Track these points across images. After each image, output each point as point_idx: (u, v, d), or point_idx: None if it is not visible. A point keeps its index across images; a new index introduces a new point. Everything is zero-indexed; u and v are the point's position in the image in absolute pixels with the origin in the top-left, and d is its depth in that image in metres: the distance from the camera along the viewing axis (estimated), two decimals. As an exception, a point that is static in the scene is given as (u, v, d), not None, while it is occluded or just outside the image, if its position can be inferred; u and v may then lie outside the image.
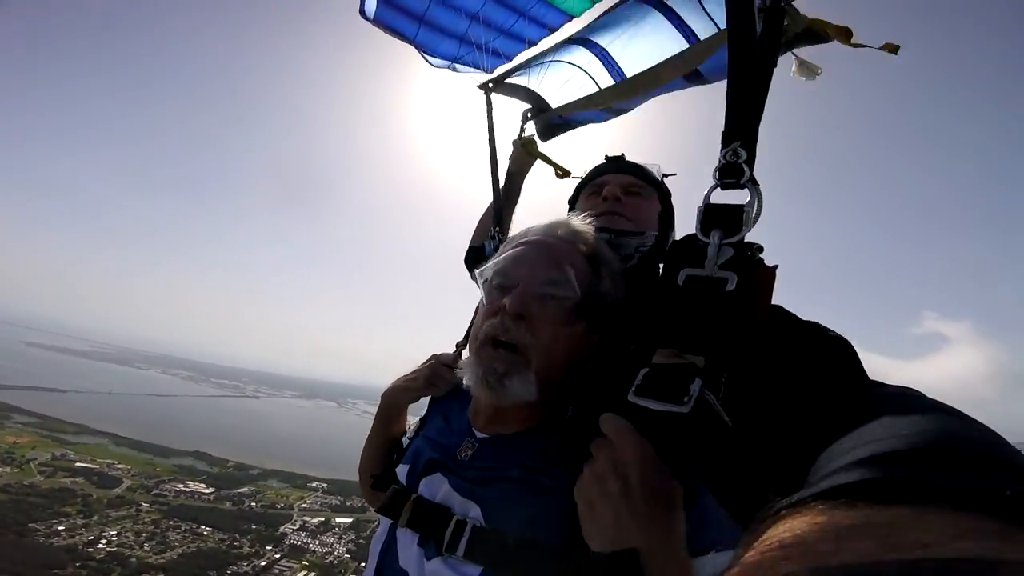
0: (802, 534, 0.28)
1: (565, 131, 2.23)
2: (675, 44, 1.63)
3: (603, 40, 1.83)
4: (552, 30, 1.93)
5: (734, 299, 0.75)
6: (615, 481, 0.72)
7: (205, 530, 64.09)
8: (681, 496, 0.73)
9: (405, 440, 1.30)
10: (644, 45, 1.74)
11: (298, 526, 70.40)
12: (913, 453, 0.39)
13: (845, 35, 1.14)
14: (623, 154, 1.61)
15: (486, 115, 2.06)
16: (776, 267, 0.79)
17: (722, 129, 0.84)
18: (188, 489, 77.24)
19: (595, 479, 0.75)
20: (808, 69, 1.18)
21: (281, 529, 68.33)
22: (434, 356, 1.36)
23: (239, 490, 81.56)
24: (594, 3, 1.79)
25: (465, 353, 1.13)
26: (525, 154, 2.01)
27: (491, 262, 1.11)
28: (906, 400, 0.57)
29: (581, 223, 1.16)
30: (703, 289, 0.78)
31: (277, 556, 61.17)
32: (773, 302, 0.86)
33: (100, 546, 55.72)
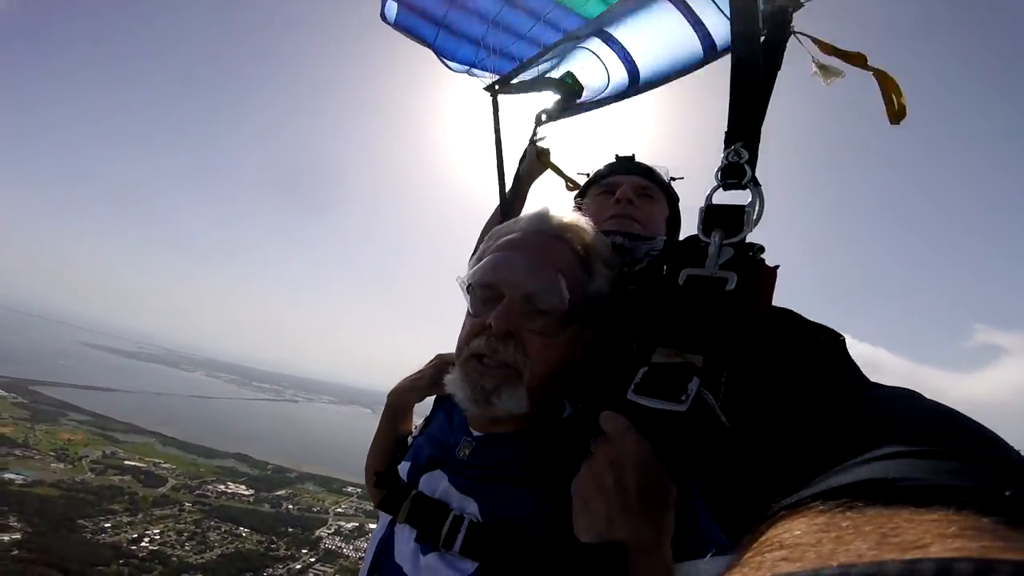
0: (801, 534, 0.28)
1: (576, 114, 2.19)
2: (685, 33, 1.66)
3: (613, 29, 1.82)
4: None
5: (734, 299, 0.75)
6: (611, 476, 0.72)
7: (244, 531, 64.85)
8: (674, 497, 0.73)
9: (410, 440, 1.32)
10: (654, 33, 1.74)
11: (333, 530, 70.61)
12: (912, 453, 0.39)
13: (857, 59, 1.12)
14: (634, 154, 1.62)
15: (492, 118, 2.07)
16: (777, 267, 0.79)
17: (725, 130, 0.84)
18: (229, 490, 78.70)
19: (592, 474, 0.75)
20: (828, 72, 1.17)
21: (317, 533, 68.63)
22: (439, 356, 1.35)
23: (277, 492, 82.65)
24: (608, 6, 1.78)
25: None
26: (537, 162, 2.01)
27: (473, 268, 1.07)
28: (905, 401, 0.57)
29: (571, 213, 1.12)
30: (703, 288, 0.78)
31: (312, 560, 61.32)
32: (782, 304, 0.86)
33: (143, 544, 56.87)
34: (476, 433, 1.05)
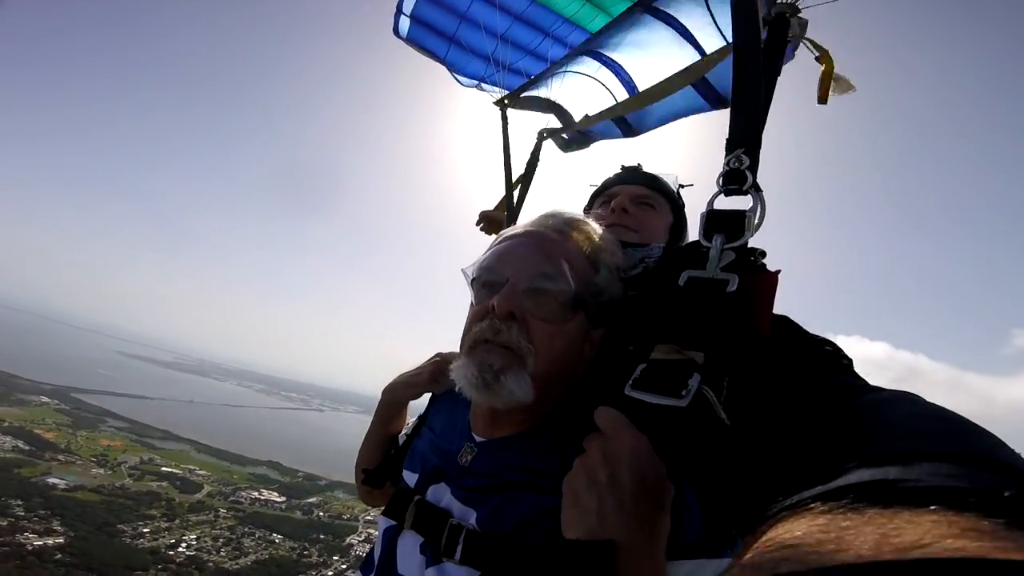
0: (802, 534, 0.28)
1: (582, 147, 2.29)
2: (684, 55, 1.70)
3: (614, 53, 1.90)
4: None
5: (735, 299, 0.75)
6: (604, 471, 0.69)
7: (277, 538, 65.16)
8: (671, 496, 0.70)
9: (402, 437, 1.31)
10: (654, 56, 1.80)
11: (363, 537, 70.22)
12: (912, 455, 0.39)
13: (833, 80, 1.16)
14: (639, 164, 1.61)
15: (502, 130, 2.18)
16: (779, 272, 0.79)
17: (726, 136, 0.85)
18: (262, 497, 79.28)
19: (585, 469, 0.72)
20: (840, 86, 1.18)
21: (348, 540, 68.41)
22: (439, 354, 1.33)
23: (308, 500, 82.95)
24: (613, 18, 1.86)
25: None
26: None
27: (477, 259, 1.05)
28: (905, 403, 0.58)
29: (576, 212, 1.13)
30: (704, 289, 0.78)
31: (344, 567, 60.98)
32: (783, 313, 0.87)
33: (180, 549, 57.41)
34: (479, 438, 1.01)
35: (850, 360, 0.85)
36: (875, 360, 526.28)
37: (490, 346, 0.92)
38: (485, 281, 0.99)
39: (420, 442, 1.15)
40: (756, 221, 0.80)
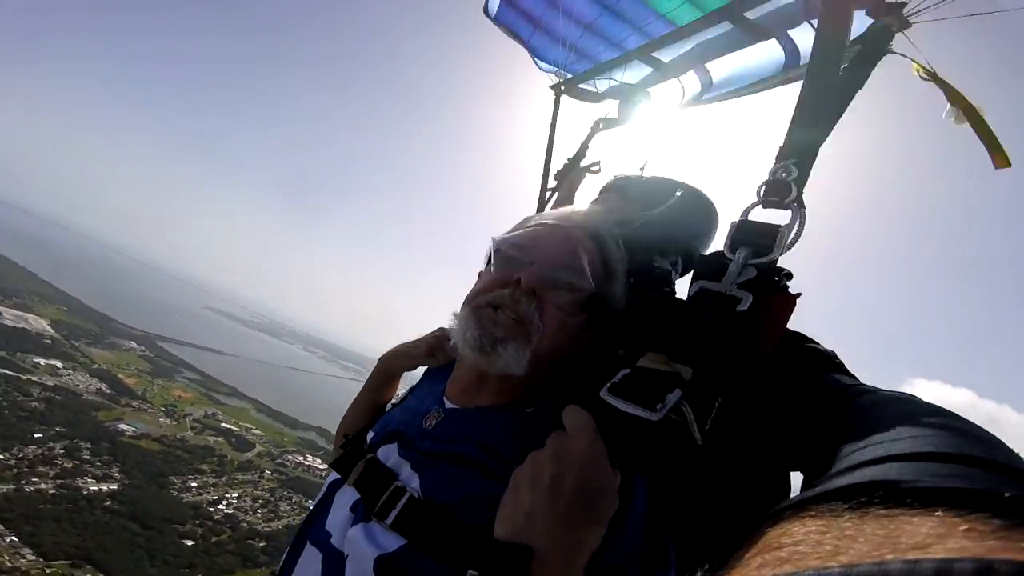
0: (802, 536, 0.28)
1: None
2: (774, 60, 1.64)
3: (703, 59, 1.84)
4: None
5: (743, 320, 0.71)
6: (549, 472, 0.68)
7: (312, 504, 68.05)
8: (612, 509, 0.68)
9: (389, 407, 1.29)
10: (743, 64, 1.74)
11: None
12: (912, 456, 0.39)
13: (968, 113, 1.01)
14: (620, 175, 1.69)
15: (551, 115, 2.18)
16: (799, 295, 0.74)
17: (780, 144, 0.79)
18: (307, 462, 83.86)
19: (533, 466, 0.71)
20: (961, 117, 1.07)
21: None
22: (440, 328, 1.30)
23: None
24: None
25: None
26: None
27: (508, 233, 1.07)
28: (904, 404, 0.57)
29: (608, 221, 1.14)
30: (713, 303, 0.74)
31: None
32: (799, 330, 0.85)
33: (220, 507, 61.94)
34: (448, 404, 1.00)
35: (841, 362, 0.83)
36: (956, 406, 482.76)
37: (498, 315, 0.93)
38: (510, 256, 1.00)
39: (394, 409, 1.15)
40: (790, 239, 0.74)
